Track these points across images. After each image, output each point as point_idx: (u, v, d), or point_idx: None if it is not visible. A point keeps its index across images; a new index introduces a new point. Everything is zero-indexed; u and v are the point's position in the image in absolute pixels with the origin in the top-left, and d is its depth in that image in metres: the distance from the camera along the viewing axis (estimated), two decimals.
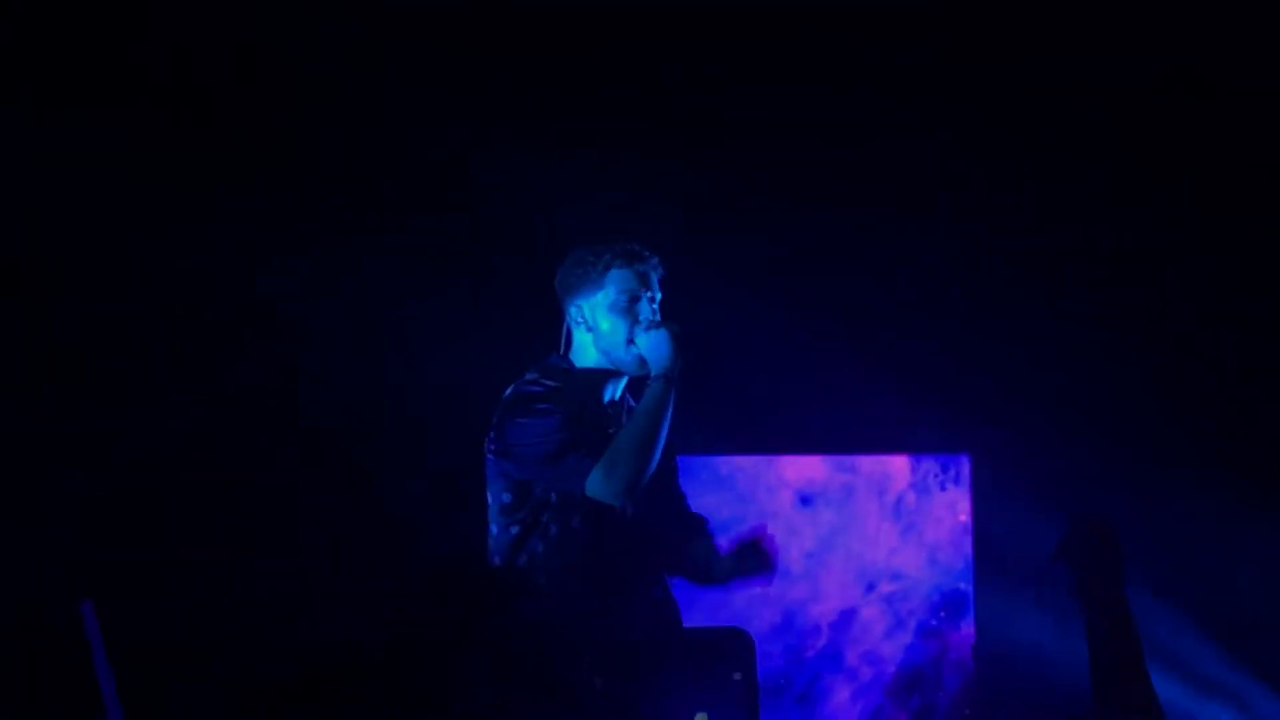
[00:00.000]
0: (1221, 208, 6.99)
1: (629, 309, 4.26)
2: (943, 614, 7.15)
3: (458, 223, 6.59)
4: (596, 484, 4.09)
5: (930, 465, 7.18)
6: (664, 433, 4.14)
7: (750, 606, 4.60)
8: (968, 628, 7.13)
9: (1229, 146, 6.94)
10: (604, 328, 4.27)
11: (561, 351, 4.34)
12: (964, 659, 7.12)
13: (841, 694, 7.12)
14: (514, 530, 4.22)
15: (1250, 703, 7.05)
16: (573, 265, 4.28)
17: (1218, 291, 7.10)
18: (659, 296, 4.30)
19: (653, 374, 4.14)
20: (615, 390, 4.37)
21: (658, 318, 4.29)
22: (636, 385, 4.37)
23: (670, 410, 4.15)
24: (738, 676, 4.28)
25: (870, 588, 7.15)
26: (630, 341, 4.24)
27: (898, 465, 7.18)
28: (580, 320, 4.29)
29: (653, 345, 4.16)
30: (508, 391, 4.27)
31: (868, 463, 7.16)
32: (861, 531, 7.13)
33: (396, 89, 6.42)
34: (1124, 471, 7.04)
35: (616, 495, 4.09)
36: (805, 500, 7.12)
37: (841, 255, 6.96)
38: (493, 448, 4.27)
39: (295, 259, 6.40)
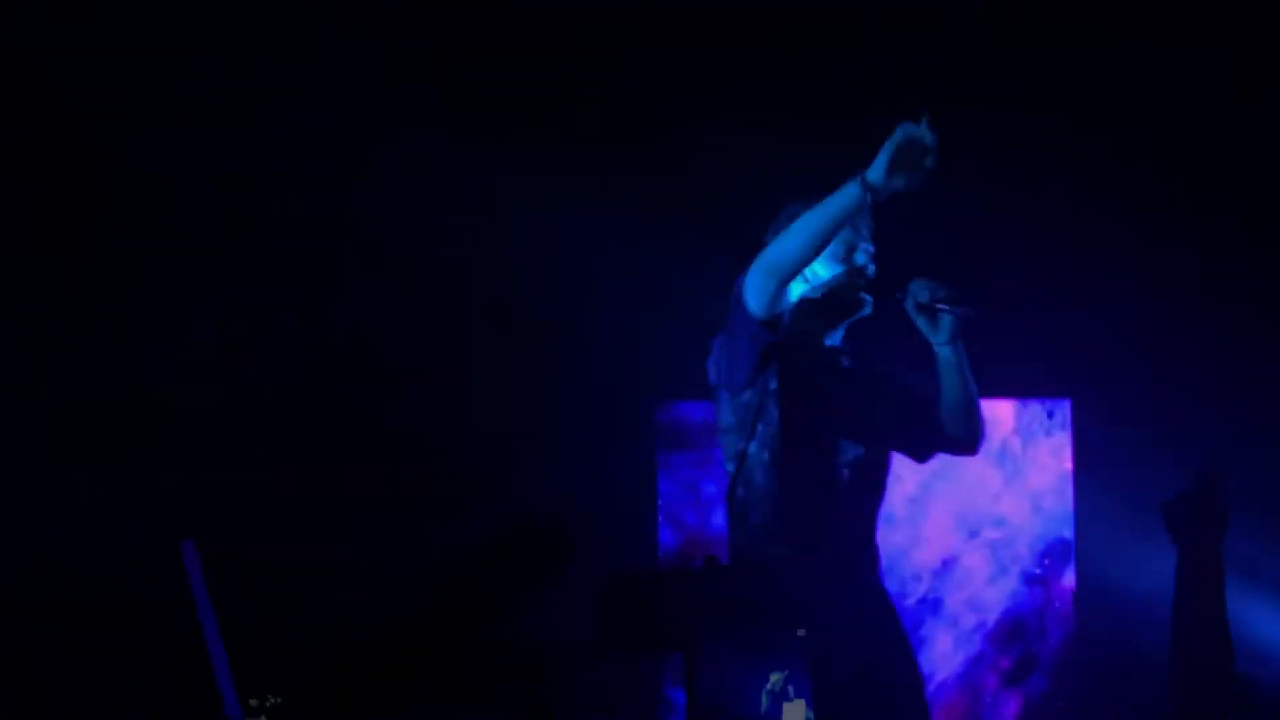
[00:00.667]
0: None
1: (846, 256, 4.35)
2: (1047, 562, 7.15)
3: None
4: (750, 276, 4.19)
5: (1036, 410, 7.16)
6: (826, 233, 4.12)
7: None
8: (1071, 576, 7.15)
9: None
10: (823, 277, 4.36)
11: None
12: (1067, 608, 7.13)
13: (943, 641, 7.14)
14: (730, 468, 4.38)
15: None
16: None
17: None
18: (873, 247, 4.37)
19: (861, 174, 4.09)
20: (835, 338, 4.47)
21: (871, 265, 4.37)
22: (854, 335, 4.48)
23: (844, 215, 4.10)
24: (802, 633, 4.36)
25: (973, 534, 7.16)
26: (850, 284, 4.33)
27: (1002, 410, 7.14)
28: (800, 276, 4.36)
29: (893, 155, 4.03)
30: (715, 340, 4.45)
31: None
32: (964, 477, 7.12)
33: None
34: (1229, 420, 7.01)
35: (754, 284, 4.19)
36: None
37: (943, 193, 6.96)
38: (710, 375, 4.42)
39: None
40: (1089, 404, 7.14)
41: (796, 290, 4.43)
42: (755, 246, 4.36)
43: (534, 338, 6.88)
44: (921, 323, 4.34)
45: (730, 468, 4.47)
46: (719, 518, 7.01)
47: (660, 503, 7.05)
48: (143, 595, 4.73)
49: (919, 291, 4.31)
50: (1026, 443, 7.18)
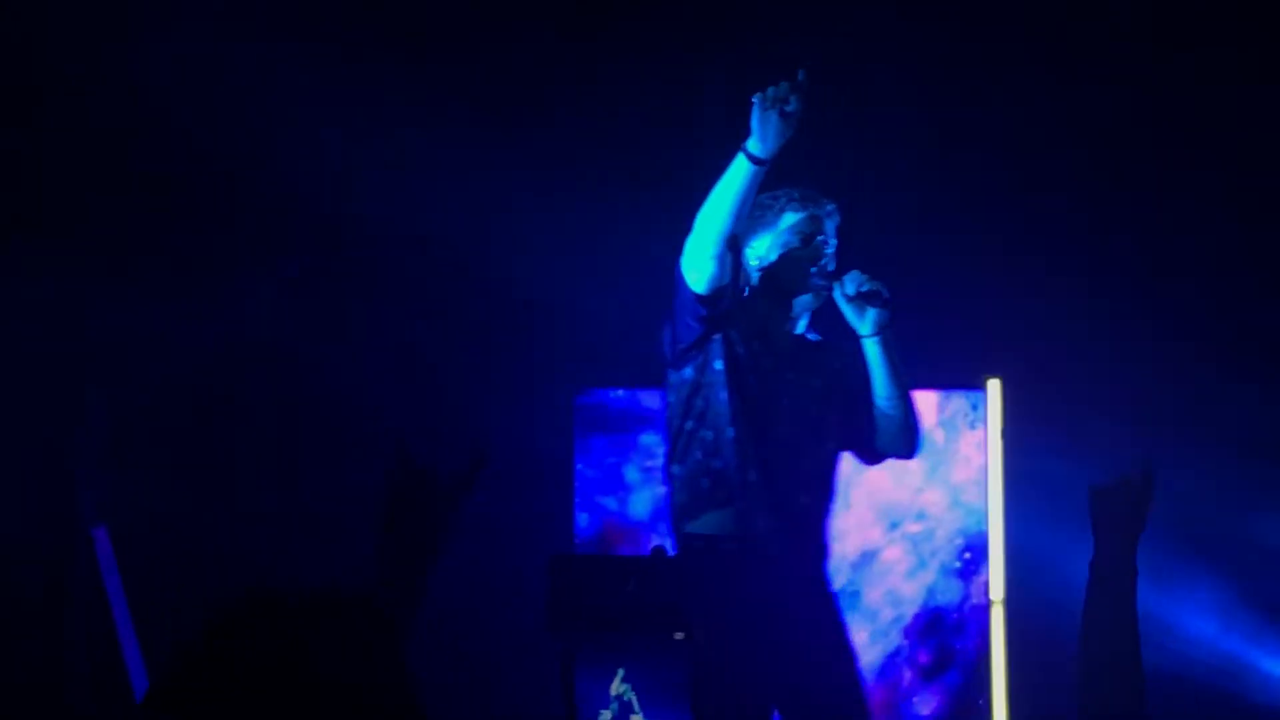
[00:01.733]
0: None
1: (804, 250, 4.52)
2: (967, 556, 7.23)
3: None
4: (684, 264, 4.46)
5: (960, 403, 7.24)
6: (731, 207, 4.38)
7: None
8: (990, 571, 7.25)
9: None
10: (780, 266, 4.54)
11: (743, 296, 4.60)
12: (986, 602, 7.23)
13: (860, 635, 7.14)
14: (667, 445, 4.53)
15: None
16: (752, 208, 4.49)
17: (1255, 213, 7.21)
18: (834, 242, 4.55)
19: (746, 146, 4.32)
20: (799, 325, 4.62)
21: (831, 262, 4.55)
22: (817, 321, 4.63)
23: (742, 188, 4.37)
24: (680, 636, 4.53)
25: (893, 526, 7.24)
26: (808, 279, 4.52)
27: (925, 402, 7.22)
28: (756, 263, 4.55)
29: (760, 118, 4.31)
30: None
31: None
32: (886, 469, 7.15)
33: None
34: (1157, 407, 7.17)
35: (695, 268, 4.44)
36: None
37: (864, 188, 7.10)
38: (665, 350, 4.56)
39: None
40: (1012, 392, 7.23)
41: (755, 273, 4.62)
42: (682, 232, 4.51)
43: (453, 323, 6.95)
44: (849, 313, 4.52)
45: (667, 444, 4.63)
46: (640, 504, 7.08)
47: (579, 488, 7.11)
48: (54, 581, 4.76)
49: (848, 282, 4.49)
50: (950, 435, 7.26)
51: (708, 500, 4.58)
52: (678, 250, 4.54)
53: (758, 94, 4.30)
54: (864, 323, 4.56)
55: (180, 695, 2.19)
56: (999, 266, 7.20)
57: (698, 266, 4.43)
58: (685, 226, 4.56)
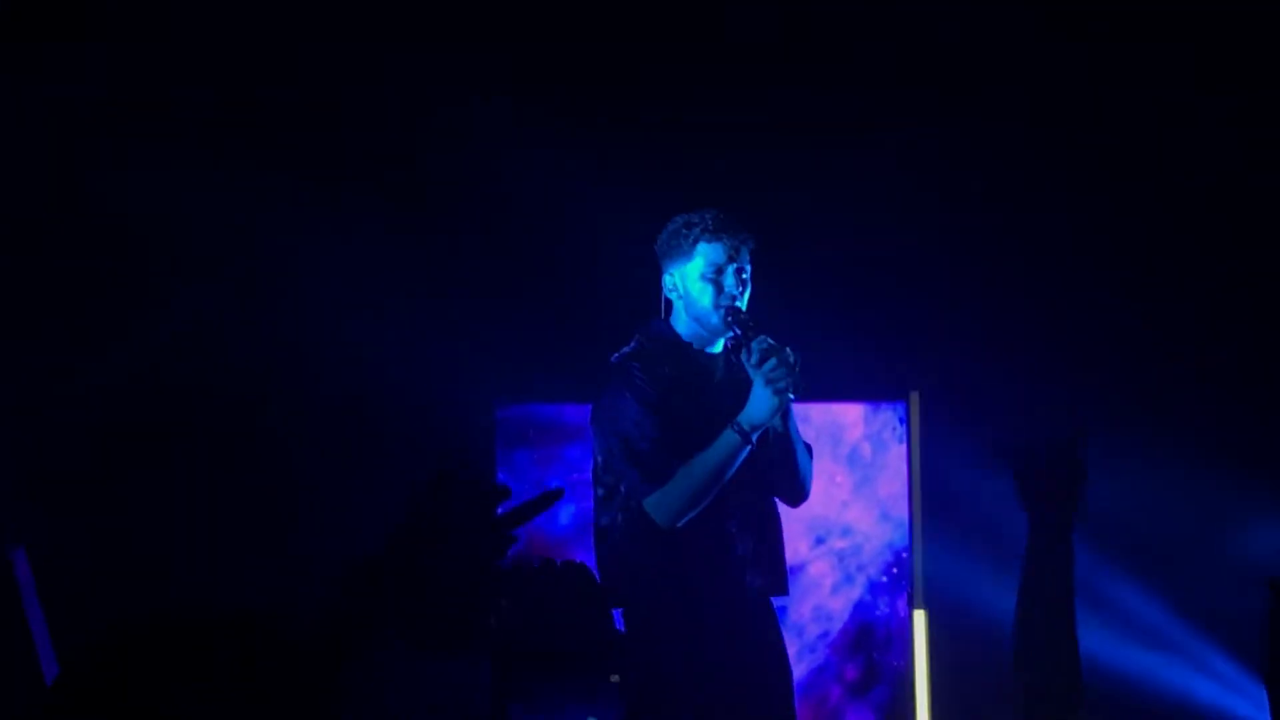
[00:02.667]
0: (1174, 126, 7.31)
1: (715, 279, 4.65)
2: (895, 571, 7.33)
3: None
4: (652, 505, 4.67)
5: (888, 416, 7.34)
6: (724, 480, 4.64)
7: None
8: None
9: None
10: (693, 294, 4.70)
11: (662, 316, 4.73)
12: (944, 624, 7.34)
13: (788, 650, 7.30)
14: (600, 492, 4.65)
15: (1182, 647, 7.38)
16: (669, 235, 4.79)
17: (1165, 220, 7.39)
18: (747, 269, 4.68)
19: (739, 422, 4.53)
20: (718, 344, 4.77)
21: (743, 291, 4.67)
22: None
23: (737, 464, 4.64)
24: (615, 679, 4.64)
25: (819, 541, 7.33)
26: (717, 307, 4.63)
27: (852, 416, 7.33)
28: (673, 288, 4.71)
29: (759, 398, 4.56)
30: (614, 357, 4.69)
31: (819, 411, 7.30)
32: (813, 483, 7.31)
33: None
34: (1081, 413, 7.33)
35: (663, 522, 4.69)
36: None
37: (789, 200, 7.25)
38: (594, 420, 4.71)
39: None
40: (932, 404, 7.37)
41: (676, 305, 4.76)
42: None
43: (372, 337, 7.05)
44: (755, 394, 4.63)
45: (600, 491, 4.75)
46: (565, 516, 7.14)
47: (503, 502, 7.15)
48: None
49: (755, 351, 4.61)
50: (877, 449, 7.36)
51: (640, 541, 4.74)
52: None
53: (759, 371, 4.58)
54: (753, 411, 4.68)
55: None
56: (922, 279, 7.36)
57: (670, 518, 4.64)
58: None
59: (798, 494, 5.00)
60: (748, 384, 4.73)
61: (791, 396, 4.63)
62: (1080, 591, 3.47)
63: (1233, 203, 7.30)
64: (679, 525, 4.70)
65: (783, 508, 5.07)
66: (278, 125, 6.85)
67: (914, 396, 7.32)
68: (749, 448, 4.69)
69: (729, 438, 4.66)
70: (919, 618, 7.28)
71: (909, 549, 7.31)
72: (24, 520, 5.59)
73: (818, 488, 7.21)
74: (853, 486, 7.34)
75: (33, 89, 6.55)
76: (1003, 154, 7.30)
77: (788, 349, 4.65)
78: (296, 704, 2.37)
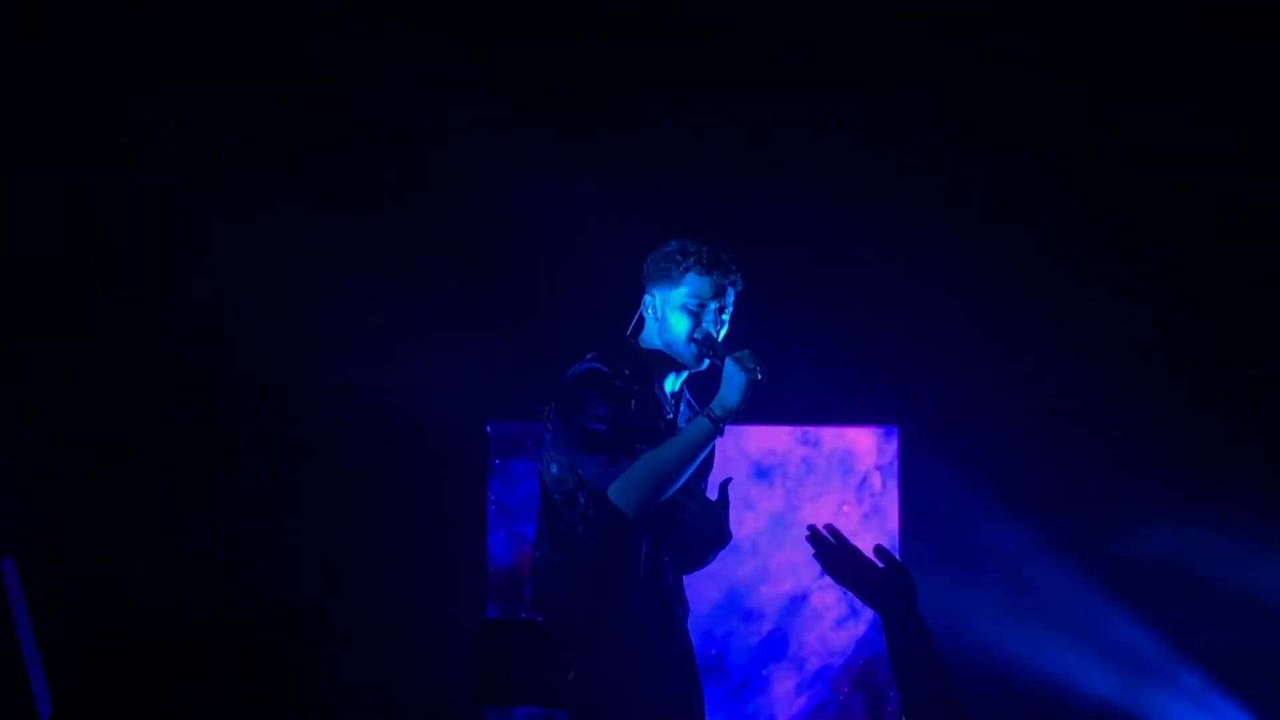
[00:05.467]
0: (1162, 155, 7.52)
1: (696, 312, 4.89)
2: None
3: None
4: (616, 491, 4.81)
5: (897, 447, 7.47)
6: (692, 468, 4.77)
7: (690, 583, 5.03)
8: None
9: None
10: (670, 321, 4.94)
11: (629, 332, 4.96)
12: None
13: (786, 684, 7.43)
14: (557, 497, 4.86)
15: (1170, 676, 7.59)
16: (659, 258, 5.01)
17: (1149, 256, 7.59)
18: (729, 309, 4.92)
19: (712, 408, 4.76)
20: (676, 382, 5.00)
21: (719, 330, 4.90)
22: (696, 380, 5.01)
23: (707, 451, 4.83)
24: (571, 676, 4.89)
25: (824, 572, 7.43)
26: (690, 340, 4.87)
27: (864, 444, 7.47)
28: (651, 308, 4.94)
29: (730, 380, 4.79)
30: (573, 368, 4.90)
31: (832, 436, 7.47)
32: (820, 511, 7.42)
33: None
34: (1061, 444, 7.57)
35: (628, 509, 4.83)
36: (762, 473, 7.45)
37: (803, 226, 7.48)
38: (549, 421, 4.90)
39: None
40: (916, 432, 7.54)
41: (649, 325, 4.98)
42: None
43: (362, 356, 7.31)
44: (727, 377, 4.84)
45: (557, 498, 4.94)
46: None
47: (496, 515, 7.32)
48: None
49: (745, 359, 4.83)
50: (888, 479, 7.50)
51: (587, 569, 4.96)
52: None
53: (731, 356, 4.80)
54: (730, 393, 4.88)
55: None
56: (903, 312, 7.57)
57: (636, 505, 4.83)
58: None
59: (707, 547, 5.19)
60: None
61: (759, 377, 4.81)
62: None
63: (1234, 226, 7.51)
64: (643, 513, 4.87)
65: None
66: (270, 144, 7.08)
67: (895, 428, 7.50)
68: (717, 438, 4.88)
69: (700, 423, 4.84)
70: None
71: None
72: (13, 530, 5.82)
73: (824, 516, 7.41)
74: (861, 517, 7.48)
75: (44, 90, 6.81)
76: (996, 178, 7.52)
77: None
78: (291, 706, 2.56)
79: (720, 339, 4.98)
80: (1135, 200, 7.50)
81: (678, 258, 5.00)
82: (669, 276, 4.99)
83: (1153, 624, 7.52)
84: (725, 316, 5.02)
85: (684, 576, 5.15)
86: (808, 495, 7.46)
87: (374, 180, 7.20)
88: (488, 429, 7.34)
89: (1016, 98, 7.41)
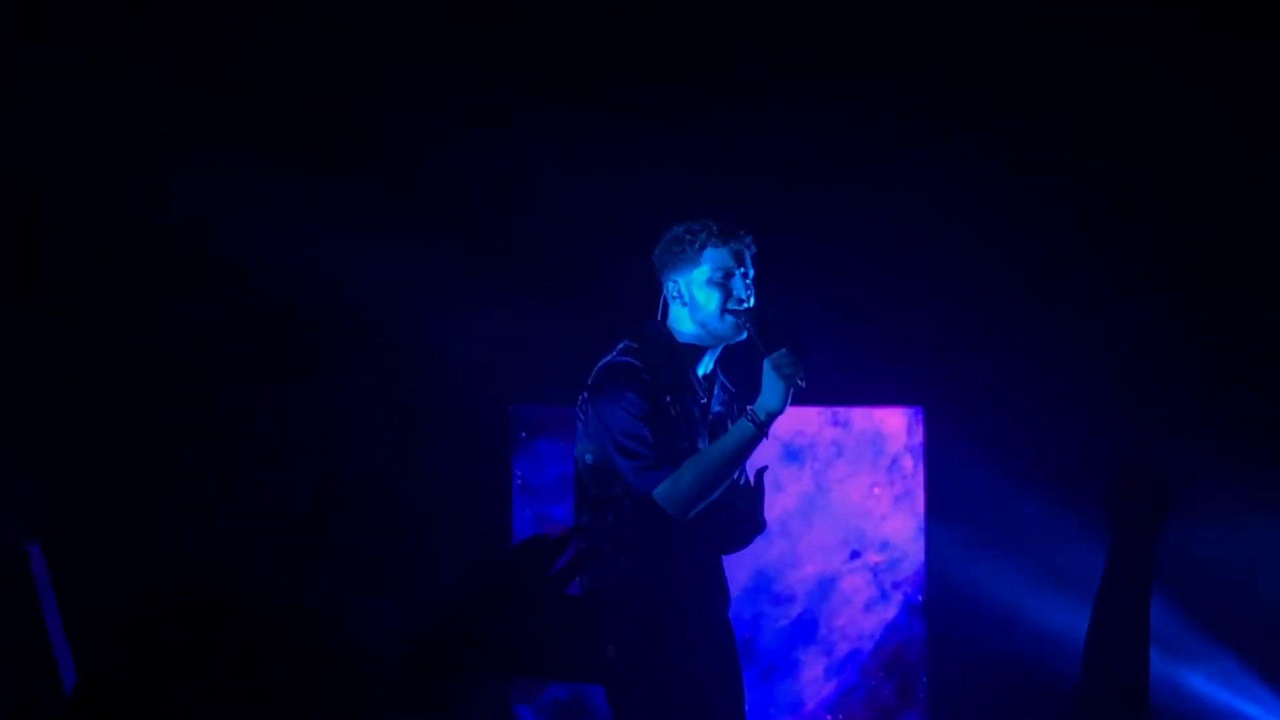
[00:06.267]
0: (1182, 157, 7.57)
1: (723, 284, 4.97)
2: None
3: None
4: (662, 494, 4.92)
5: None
6: (737, 470, 4.87)
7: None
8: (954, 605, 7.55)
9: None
10: (700, 300, 5.00)
11: (659, 318, 5.04)
12: (951, 639, 7.52)
13: (814, 668, 7.49)
14: (591, 491, 4.93)
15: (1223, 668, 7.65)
16: (670, 243, 5.07)
17: (1177, 237, 7.65)
18: (751, 272, 5.00)
19: (755, 411, 4.84)
20: (709, 364, 5.07)
21: (750, 293, 4.97)
22: (729, 359, 5.08)
23: (745, 454, 4.97)
24: (611, 653, 4.97)
25: (854, 555, 7.53)
26: (724, 312, 4.94)
27: (894, 425, 7.53)
28: (676, 294, 5.06)
29: (771, 386, 4.88)
30: (605, 359, 4.97)
31: (861, 417, 7.52)
32: (850, 493, 7.51)
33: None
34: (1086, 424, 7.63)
35: (676, 512, 4.96)
36: (792, 455, 7.51)
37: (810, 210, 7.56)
38: (583, 412, 4.98)
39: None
40: (942, 412, 7.61)
41: (676, 311, 5.04)
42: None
43: (385, 335, 7.41)
44: (767, 380, 4.91)
45: (591, 493, 5.03)
46: None
47: (522, 497, 7.39)
48: None
49: (784, 363, 4.89)
50: (919, 460, 7.54)
51: (632, 545, 5.04)
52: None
53: (769, 359, 4.90)
54: (771, 394, 4.95)
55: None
56: (928, 292, 7.63)
57: (683, 508, 4.92)
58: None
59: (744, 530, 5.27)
60: (725, 418, 5.09)
61: (800, 383, 4.90)
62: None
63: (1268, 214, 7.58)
64: (689, 516, 4.96)
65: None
66: (286, 126, 7.15)
67: (920, 409, 7.56)
68: (762, 440, 4.96)
69: (743, 427, 4.94)
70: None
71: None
72: (39, 515, 5.90)
73: (855, 498, 7.49)
74: (892, 499, 7.53)
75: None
76: (1019, 159, 7.57)
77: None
78: (314, 690, 2.62)
79: (751, 303, 5.08)
80: (1163, 183, 7.54)
81: (688, 237, 5.11)
82: (686, 257, 5.09)
83: (1181, 606, 7.58)
84: (750, 281, 5.11)
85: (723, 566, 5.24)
86: (837, 477, 7.51)
87: (400, 164, 7.25)
88: (510, 410, 7.41)
89: (1048, 83, 7.45)
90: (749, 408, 4.95)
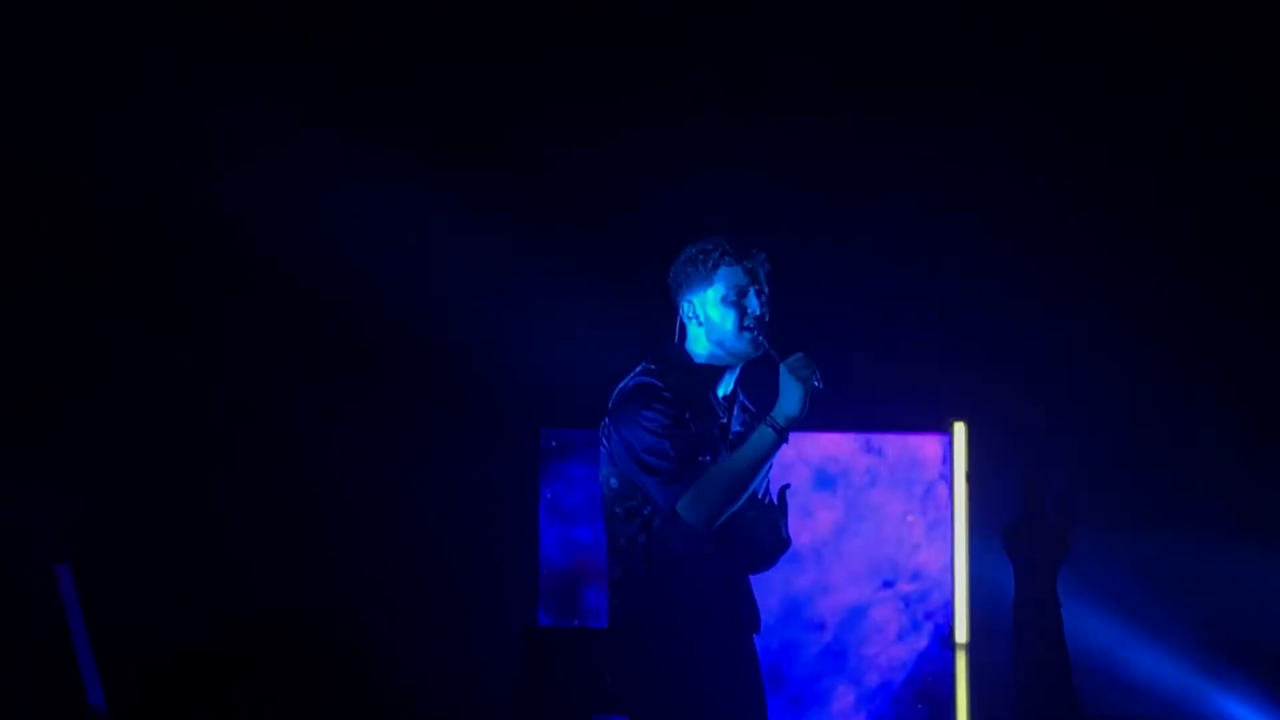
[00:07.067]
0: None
1: (738, 303, 5.03)
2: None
3: None
4: (685, 506, 4.90)
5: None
6: (759, 478, 4.92)
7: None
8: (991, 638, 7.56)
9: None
10: (715, 319, 5.05)
11: (676, 341, 5.10)
12: (985, 672, 7.50)
13: (844, 698, 7.50)
14: (619, 511, 5.00)
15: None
16: (684, 263, 5.13)
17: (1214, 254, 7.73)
18: (766, 290, 5.07)
19: (774, 417, 4.90)
20: (728, 384, 5.13)
21: (766, 311, 5.04)
22: (748, 378, 5.13)
23: (766, 460, 4.93)
24: (609, 682, 5.03)
25: (886, 585, 7.55)
26: (742, 329, 5.01)
27: (929, 452, 7.54)
28: (692, 315, 5.10)
29: (788, 390, 4.94)
30: (624, 382, 5.04)
31: (894, 445, 7.54)
32: (883, 522, 7.52)
33: None
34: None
35: (699, 523, 4.92)
36: (824, 481, 7.52)
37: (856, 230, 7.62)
38: (605, 436, 5.03)
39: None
40: (980, 435, 7.58)
41: (693, 331, 5.11)
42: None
43: (409, 362, 7.49)
44: (784, 385, 4.98)
45: (619, 511, 5.09)
46: None
47: (551, 519, 7.44)
48: (16, 617, 5.17)
49: (799, 366, 4.97)
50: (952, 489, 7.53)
51: (660, 562, 5.11)
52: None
53: (784, 364, 4.89)
54: (789, 401, 5.02)
55: None
56: (966, 311, 7.67)
57: (706, 519, 4.98)
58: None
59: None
60: (745, 436, 5.14)
61: (817, 384, 4.96)
62: None
63: None
64: (714, 527, 5.02)
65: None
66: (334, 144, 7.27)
67: (959, 427, 7.57)
68: (783, 446, 5.01)
69: (763, 433, 4.98)
70: (960, 660, 7.50)
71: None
72: (68, 537, 5.98)
73: (888, 527, 7.52)
74: (926, 528, 7.54)
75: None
76: (1052, 178, 7.63)
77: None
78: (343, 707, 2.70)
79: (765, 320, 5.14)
80: (1190, 196, 7.61)
81: (701, 258, 5.16)
82: (699, 277, 5.14)
83: (1214, 625, 7.63)
84: (765, 299, 5.17)
85: (753, 590, 5.28)
86: (870, 505, 7.55)
87: (437, 185, 7.33)
88: (540, 437, 7.46)
89: (1075, 96, 7.51)
90: (769, 415, 5.00)
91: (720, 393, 5.22)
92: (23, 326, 6.94)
